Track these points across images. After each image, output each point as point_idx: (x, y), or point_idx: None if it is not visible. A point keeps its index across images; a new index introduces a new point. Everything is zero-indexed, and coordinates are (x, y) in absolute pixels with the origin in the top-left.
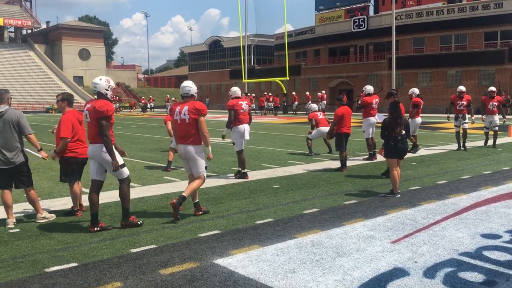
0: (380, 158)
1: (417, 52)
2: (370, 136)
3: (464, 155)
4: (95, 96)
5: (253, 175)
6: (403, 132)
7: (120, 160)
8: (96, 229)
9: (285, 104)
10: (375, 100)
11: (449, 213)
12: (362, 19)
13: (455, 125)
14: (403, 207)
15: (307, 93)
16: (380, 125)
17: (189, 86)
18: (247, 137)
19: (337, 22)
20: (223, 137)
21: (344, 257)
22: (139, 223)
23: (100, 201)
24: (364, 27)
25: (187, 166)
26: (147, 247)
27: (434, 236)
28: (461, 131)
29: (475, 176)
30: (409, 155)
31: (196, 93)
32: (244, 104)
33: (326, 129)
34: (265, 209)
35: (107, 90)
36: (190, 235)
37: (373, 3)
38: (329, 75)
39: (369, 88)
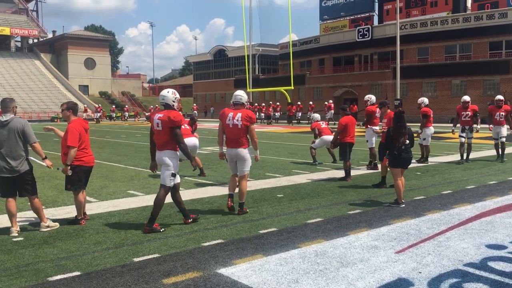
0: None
1: (421, 61)
2: (374, 145)
3: (469, 165)
4: (156, 107)
5: (257, 184)
6: (407, 141)
7: (175, 169)
8: (189, 221)
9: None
10: (378, 109)
11: (454, 223)
12: (366, 28)
13: (460, 136)
14: (408, 217)
15: (311, 102)
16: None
17: (241, 95)
18: None
19: (341, 32)
20: None
21: (348, 267)
22: (161, 230)
23: (104, 210)
24: (368, 36)
25: (234, 166)
26: (150, 256)
27: (439, 246)
28: (466, 143)
29: (480, 186)
30: (413, 164)
31: (246, 101)
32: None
33: (329, 138)
34: (269, 218)
35: (173, 101)
36: (193, 244)
37: (377, 13)
38: (334, 85)
39: (372, 98)
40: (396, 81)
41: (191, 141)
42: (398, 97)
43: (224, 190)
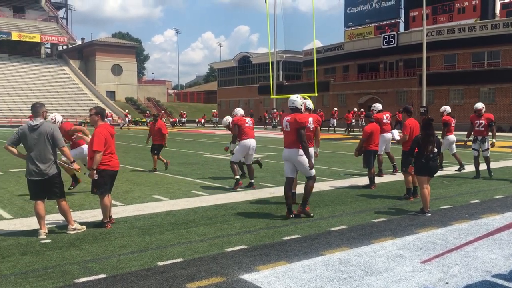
0: (394, 177)
1: (448, 68)
2: (382, 152)
3: (496, 174)
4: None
5: (280, 190)
6: (435, 150)
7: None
8: (291, 216)
9: None
10: (386, 115)
11: (482, 234)
12: (392, 35)
13: (472, 149)
14: (434, 227)
15: (356, 109)
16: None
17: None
18: (251, 152)
19: (366, 39)
20: (231, 152)
21: (372, 276)
22: (311, 214)
23: (129, 214)
24: (394, 43)
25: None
26: (174, 261)
27: (466, 256)
28: (483, 156)
29: (509, 196)
30: (440, 173)
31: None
32: (248, 120)
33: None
34: (292, 225)
35: (301, 105)
36: (217, 250)
37: (403, 20)
38: (358, 92)
39: (378, 106)
40: (422, 89)
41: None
42: (424, 105)
43: (247, 196)
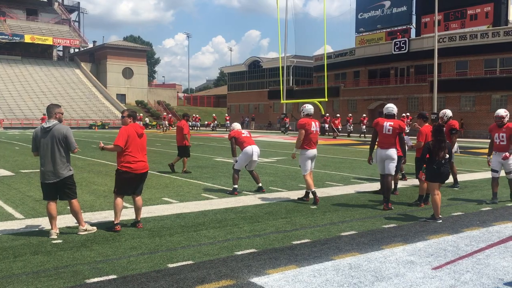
0: (405, 183)
1: (460, 75)
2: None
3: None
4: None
5: (290, 195)
6: (447, 156)
7: (397, 162)
8: (386, 209)
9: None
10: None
11: (494, 241)
12: (403, 41)
13: None
14: (445, 233)
15: (350, 114)
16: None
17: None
18: (255, 158)
19: (377, 44)
20: (235, 162)
21: (383, 282)
22: (391, 207)
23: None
24: (405, 49)
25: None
26: (184, 263)
27: (478, 264)
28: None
29: None
30: (451, 179)
31: (396, 112)
32: (244, 131)
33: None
34: (302, 229)
35: (396, 112)
36: (227, 253)
37: (415, 26)
38: (368, 97)
39: (448, 112)
40: (433, 95)
41: None
42: (435, 111)
43: (256, 200)
